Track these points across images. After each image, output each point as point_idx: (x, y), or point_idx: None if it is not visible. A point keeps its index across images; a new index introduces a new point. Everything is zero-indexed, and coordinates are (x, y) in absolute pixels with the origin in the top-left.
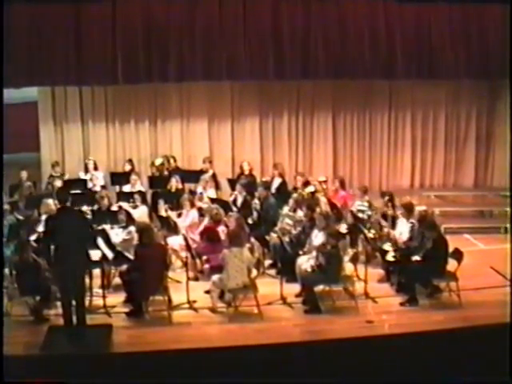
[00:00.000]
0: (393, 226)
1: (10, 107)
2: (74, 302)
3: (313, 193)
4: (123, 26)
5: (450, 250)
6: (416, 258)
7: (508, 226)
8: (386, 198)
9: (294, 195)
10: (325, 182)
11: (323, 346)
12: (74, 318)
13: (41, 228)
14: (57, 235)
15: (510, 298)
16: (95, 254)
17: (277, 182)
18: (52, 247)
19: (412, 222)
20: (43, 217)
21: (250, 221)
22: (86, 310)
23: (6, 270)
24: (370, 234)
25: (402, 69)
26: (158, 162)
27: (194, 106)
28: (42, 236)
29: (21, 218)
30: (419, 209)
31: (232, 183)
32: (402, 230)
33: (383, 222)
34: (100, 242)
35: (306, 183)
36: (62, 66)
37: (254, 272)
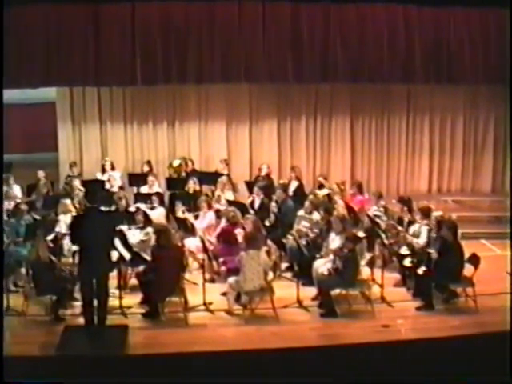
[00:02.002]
0: (410, 230)
1: (29, 107)
2: (95, 302)
3: (329, 196)
4: (142, 27)
5: (467, 255)
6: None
7: None
8: (403, 202)
9: (311, 197)
10: (342, 184)
11: (338, 350)
12: (95, 318)
13: (58, 228)
14: (82, 235)
15: (510, 304)
16: (112, 255)
17: (294, 184)
18: (75, 247)
19: (429, 227)
20: (60, 217)
21: (267, 223)
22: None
23: (23, 270)
24: (385, 240)
25: (420, 73)
26: (176, 163)
27: (212, 107)
28: (69, 235)
29: (38, 217)
30: (436, 214)
31: (249, 185)
32: (419, 234)
33: (399, 227)
34: (117, 242)
35: (321, 186)
36: (81, 66)
37: (271, 275)
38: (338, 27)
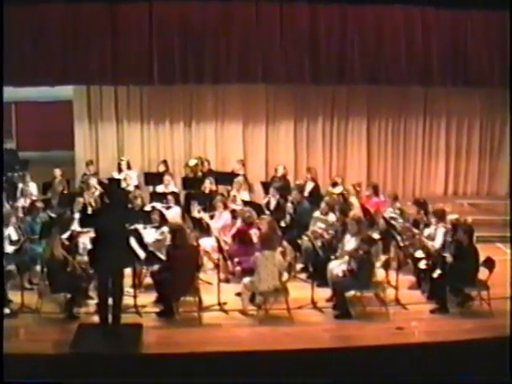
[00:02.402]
0: (425, 233)
1: (46, 105)
2: (110, 301)
3: (345, 197)
4: (159, 26)
5: (482, 258)
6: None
7: None
8: (419, 205)
9: (326, 198)
10: (358, 186)
11: (352, 352)
12: (110, 317)
13: (73, 226)
14: (100, 232)
15: (510, 308)
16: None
17: (310, 185)
18: (89, 245)
19: (445, 230)
20: (76, 215)
21: (282, 224)
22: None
23: (38, 267)
24: (401, 243)
25: (437, 76)
26: (192, 163)
27: (228, 108)
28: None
29: (53, 215)
30: (452, 217)
31: (265, 186)
32: (435, 237)
33: (415, 230)
34: (132, 241)
35: (335, 184)
36: (98, 65)
37: (286, 275)
38: (356, 29)
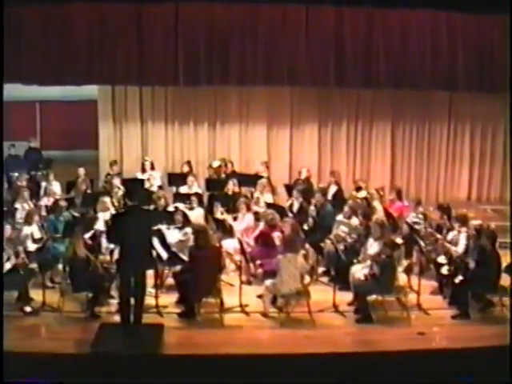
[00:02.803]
0: (448, 238)
1: (70, 105)
2: (132, 301)
3: (368, 201)
4: (185, 27)
5: (504, 264)
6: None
7: None
8: (442, 210)
9: (350, 202)
10: (382, 190)
11: (373, 357)
12: (131, 317)
13: (96, 225)
14: (122, 233)
15: (510, 311)
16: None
17: (333, 189)
18: (111, 245)
19: (467, 235)
20: (99, 214)
21: (305, 227)
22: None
23: (60, 266)
24: (424, 247)
25: (462, 81)
26: (216, 164)
27: (253, 110)
28: (107, 232)
29: (77, 214)
30: (475, 222)
31: (289, 189)
32: (458, 242)
33: (438, 235)
34: (155, 241)
35: (359, 188)
36: (123, 65)
37: (307, 278)
38: (381, 32)
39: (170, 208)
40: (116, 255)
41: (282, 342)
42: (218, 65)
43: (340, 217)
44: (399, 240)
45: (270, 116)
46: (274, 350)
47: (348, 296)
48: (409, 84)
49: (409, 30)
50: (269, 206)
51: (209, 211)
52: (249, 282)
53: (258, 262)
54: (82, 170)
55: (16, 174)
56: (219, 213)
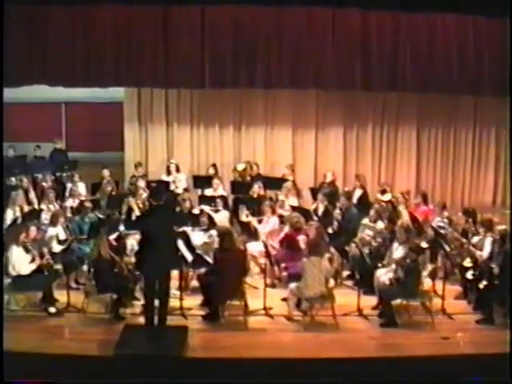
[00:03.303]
0: (474, 243)
1: (96, 106)
2: (156, 302)
3: (393, 205)
4: (211, 30)
5: None
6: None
7: None
8: (468, 214)
9: (376, 206)
10: (407, 194)
11: (396, 361)
12: (155, 318)
13: (121, 227)
14: (148, 233)
15: (510, 313)
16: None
17: (358, 192)
18: (136, 246)
19: (493, 240)
20: (124, 216)
21: (330, 230)
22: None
23: (85, 267)
24: (449, 252)
25: (488, 85)
26: (241, 167)
27: (278, 113)
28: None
29: (102, 216)
30: (500, 227)
31: (314, 192)
32: (483, 247)
33: (463, 239)
34: (180, 243)
35: (384, 191)
36: (150, 67)
37: (332, 282)
38: (408, 36)
39: (195, 210)
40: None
41: (305, 346)
42: (243, 68)
43: (365, 220)
44: (424, 244)
45: (296, 119)
46: (298, 353)
47: (372, 300)
48: (434, 88)
49: (435, 34)
50: (294, 209)
51: (234, 214)
52: (273, 285)
53: (283, 265)
54: (106, 172)
55: (41, 176)
56: (244, 215)
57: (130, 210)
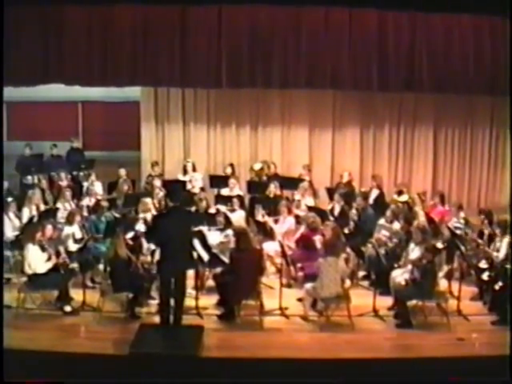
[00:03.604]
0: (490, 243)
1: (113, 105)
2: (172, 302)
3: (410, 206)
4: (228, 30)
5: None
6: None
7: None
8: (484, 215)
9: (392, 206)
10: (423, 195)
11: (411, 362)
12: (171, 318)
13: (138, 226)
14: (163, 234)
15: (510, 316)
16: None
17: (374, 193)
18: (152, 246)
19: (509, 241)
20: (141, 215)
21: (346, 231)
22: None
23: (101, 266)
24: (465, 253)
25: (505, 85)
26: (257, 166)
27: (295, 113)
28: (148, 232)
29: (118, 215)
30: None
31: (330, 192)
32: (499, 248)
33: (480, 240)
34: (196, 243)
35: (400, 192)
36: (167, 67)
37: (348, 282)
38: (424, 36)
39: (212, 210)
40: (157, 256)
41: (321, 346)
42: (260, 67)
43: (381, 221)
44: (440, 245)
45: (312, 119)
46: (313, 353)
47: (388, 300)
48: (451, 88)
49: (452, 34)
50: (310, 209)
51: (250, 214)
52: (289, 285)
53: (299, 265)
54: (122, 171)
55: (58, 174)
56: (260, 215)
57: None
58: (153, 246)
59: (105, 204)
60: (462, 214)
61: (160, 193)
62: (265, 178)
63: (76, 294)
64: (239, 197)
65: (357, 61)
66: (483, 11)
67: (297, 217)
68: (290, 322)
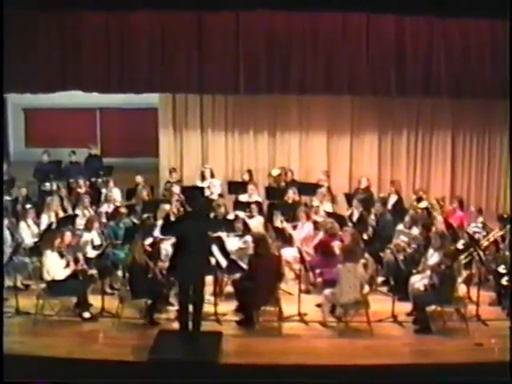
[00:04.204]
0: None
1: (131, 112)
2: (190, 308)
3: (429, 211)
4: (246, 36)
5: None
6: None
7: None
8: (503, 220)
9: (411, 212)
10: (442, 200)
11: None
12: (190, 324)
13: (156, 233)
14: (182, 239)
15: (510, 317)
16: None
17: (393, 198)
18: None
19: None
20: (159, 222)
21: (364, 236)
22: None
23: (120, 272)
24: (483, 258)
25: None
26: (275, 172)
27: (313, 118)
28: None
29: (136, 221)
30: None
31: (348, 198)
32: None
33: (500, 245)
34: (215, 249)
35: (420, 199)
36: (184, 73)
37: (367, 288)
38: (442, 41)
39: (230, 216)
40: (174, 262)
41: (340, 352)
42: (278, 73)
43: (400, 226)
44: (461, 245)
45: (330, 125)
46: (332, 359)
47: (407, 306)
48: (469, 92)
49: (469, 39)
50: (328, 215)
51: (269, 219)
52: (308, 291)
53: (318, 270)
54: (139, 178)
55: (76, 181)
56: (279, 221)
57: (167, 217)
58: (171, 252)
59: (123, 211)
60: (480, 219)
61: (178, 199)
62: (283, 183)
63: (95, 301)
64: (258, 203)
65: (374, 66)
66: (500, 16)
67: (315, 223)
68: (308, 328)
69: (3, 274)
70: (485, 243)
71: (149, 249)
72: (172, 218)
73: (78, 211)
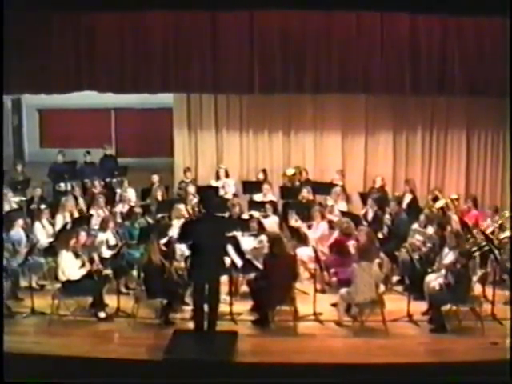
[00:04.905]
0: None
1: (146, 112)
2: (206, 307)
3: (444, 210)
4: (260, 35)
5: None
6: None
7: None
8: None
9: (426, 211)
10: (457, 199)
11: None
12: (205, 323)
13: (171, 232)
14: (197, 239)
15: (510, 317)
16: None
17: (408, 197)
18: (186, 252)
19: None
20: (174, 221)
21: (380, 235)
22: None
23: (135, 272)
24: (498, 256)
25: None
26: (290, 172)
27: (327, 118)
28: (179, 237)
29: (151, 221)
30: None
31: (363, 197)
32: None
33: None
34: (230, 248)
35: (436, 198)
36: (199, 73)
37: (382, 287)
38: (456, 40)
39: (245, 216)
40: (190, 262)
41: (355, 351)
42: (292, 73)
43: (415, 225)
44: (474, 249)
45: (345, 124)
46: (347, 358)
47: (422, 305)
48: (483, 91)
49: (483, 38)
50: (343, 214)
51: (283, 219)
52: (323, 291)
53: (333, 270)
54: (155, 177)
55: (91, 181)
56: (294, 221)
57: (184, 225)
58: (187, 252)
59: (138, 210)
60: (496, 218)
61: (193, 199)
62: (297, 183)
63: (110, 301)
64: (272, 202)
65: (389, 65)
66: None
67: (330, 222)
68: (324, 328)
69: (2, 273)
70: (502, 239)
71: (164, 248)
72: (187, 223)
73: (92, 211)
